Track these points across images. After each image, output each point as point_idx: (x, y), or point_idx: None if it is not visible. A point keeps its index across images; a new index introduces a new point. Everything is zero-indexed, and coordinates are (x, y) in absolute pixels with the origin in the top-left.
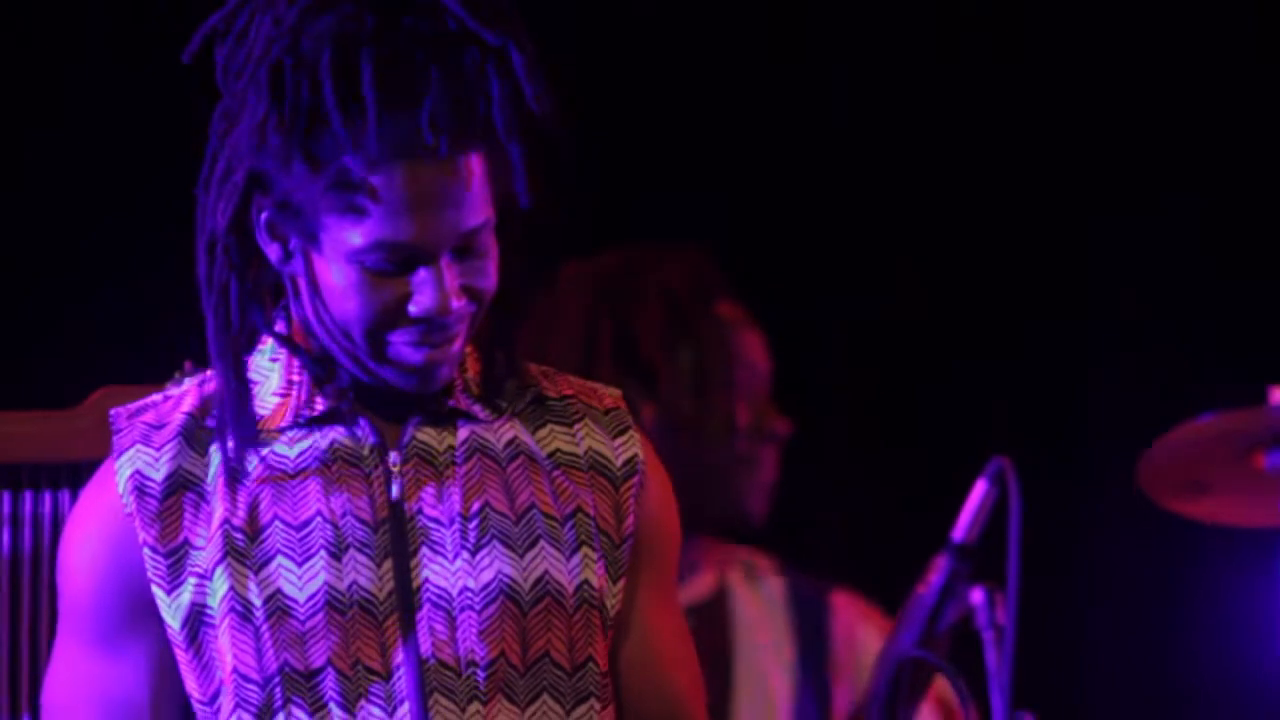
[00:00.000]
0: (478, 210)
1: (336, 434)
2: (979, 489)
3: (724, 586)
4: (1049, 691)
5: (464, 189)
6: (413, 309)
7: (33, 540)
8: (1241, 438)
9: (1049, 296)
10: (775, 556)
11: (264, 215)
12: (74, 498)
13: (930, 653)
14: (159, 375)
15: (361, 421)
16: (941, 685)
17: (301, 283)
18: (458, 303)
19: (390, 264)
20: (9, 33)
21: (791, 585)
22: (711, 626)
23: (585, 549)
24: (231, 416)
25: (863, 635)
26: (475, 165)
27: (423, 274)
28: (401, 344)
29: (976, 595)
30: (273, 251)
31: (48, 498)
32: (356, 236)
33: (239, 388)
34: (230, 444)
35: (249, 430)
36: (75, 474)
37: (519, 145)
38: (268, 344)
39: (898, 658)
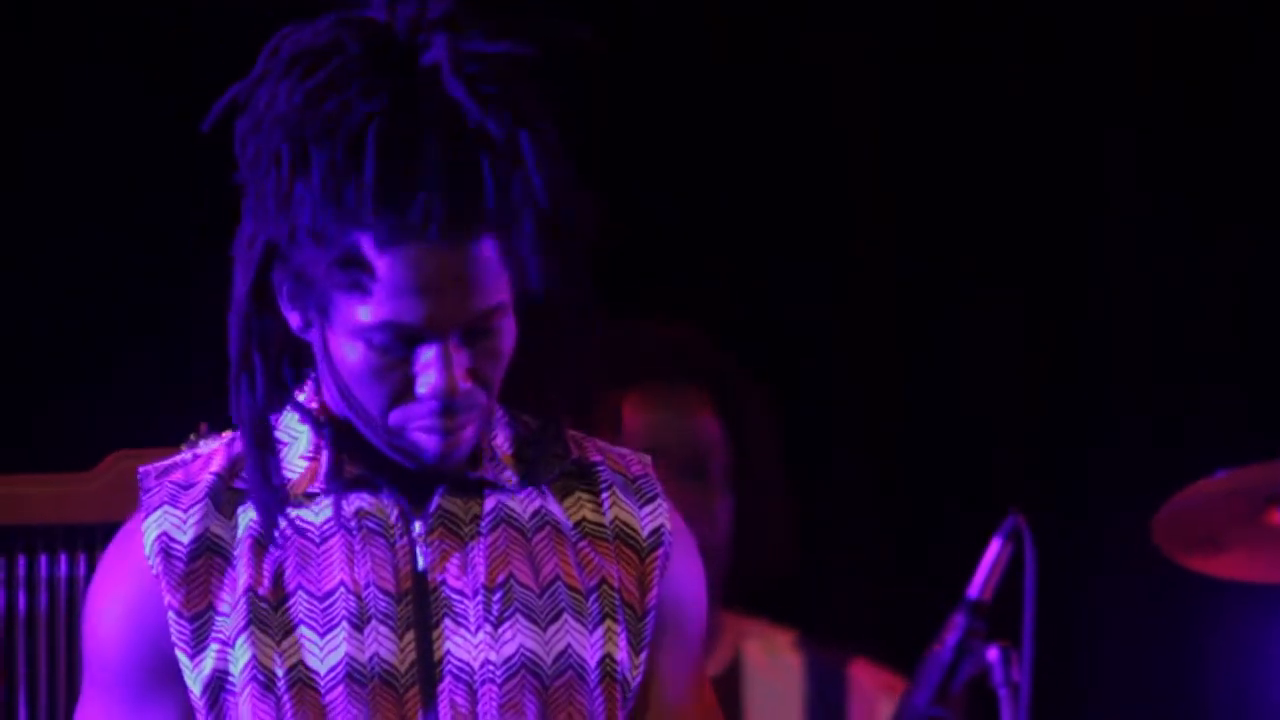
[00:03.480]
0: (489, 293)
1: (362, 500)
2: (994, 546)
3: (740, 659)
4: None
5: (473, 272)
6: (420, 389)
7: (48, 602)
8: (1255, 494)
9: (1064, 351)
10: (793, 629)
11: (284, 287)
12: (89, 560)
13: (946, 711)
14: (173, 438)
15: (387, 488)
16: None
17: (318, 354)
18: (465, 385)
19: (397, 343)
20: (27, 94)
21: (809, 658)
22: (727, 700)
23: (609, 622)
24: (255, 484)
25: (881, 709)
26: (487, 249)
27: (430, 354)
28: (415, 429)
29: (992, 653)
30: (294, 320)
31: (63, 560)
32: (364, 314)
33: (261, 456)
34: (256, 511)
35: (274, 497)
36: (90, 537)
37: (529, 233)
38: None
39: (913, 716)
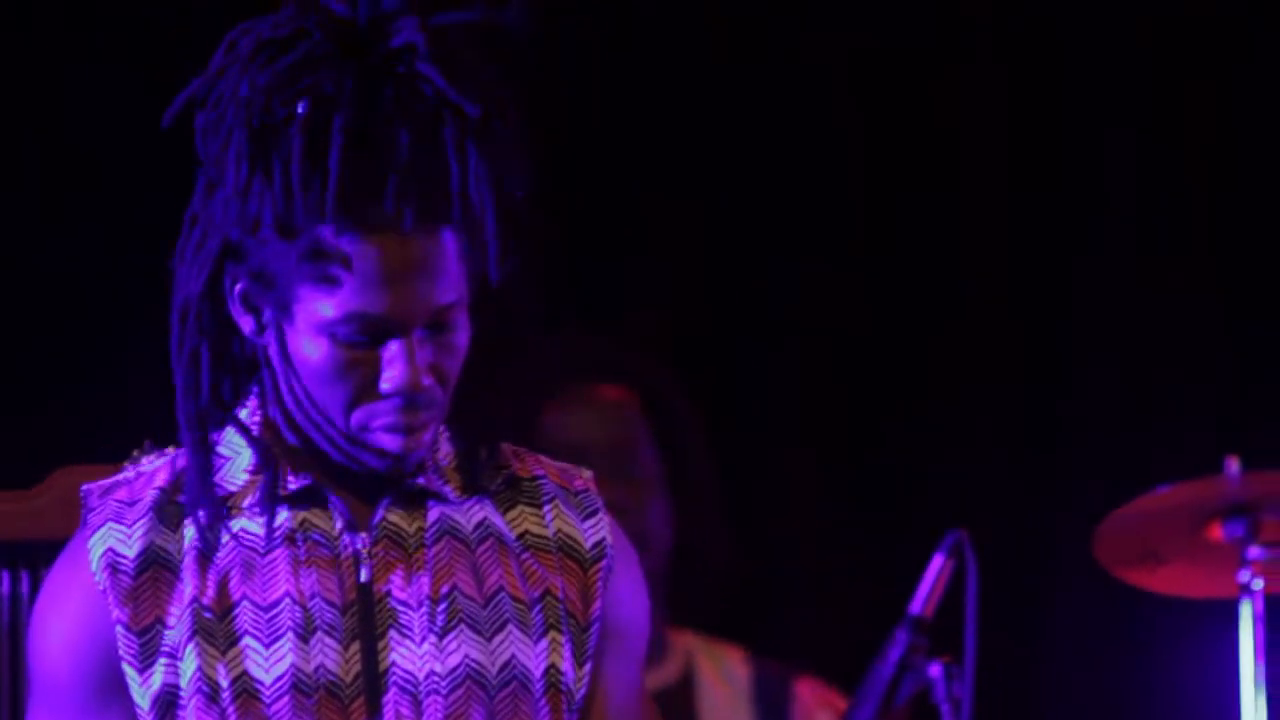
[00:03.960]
0: (451, 287)
1: (307, 513)
2: (936, 562)
3: (689, 673)
4: None
5: (437, 264)
6: (384, 385)
7: None
8: (1197, 509)
9: (1006, 368)
10: (741, 645)
11: (238, 286)
12: (32, 578)
13: None
14: (118, 454)
15: (333, 500)
16: None
17: (274, 357)
18: (427, 380)
19: (362, 336)
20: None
21: (756, 673)
22: (679, 712)
23: (553, 633)
24: (197, 489)
25: None
26: (448, 241)
27: (394, 348)
28: (377, 427)
29: (934, 669)
30: (246, 324)
31: (5, 577)
32: (329, 308)
33: (204, 460)
34: (201, 516)
35: (214, 501)
36: (34, 554)
37: (494, 224)
38: (242, 415)
39: None
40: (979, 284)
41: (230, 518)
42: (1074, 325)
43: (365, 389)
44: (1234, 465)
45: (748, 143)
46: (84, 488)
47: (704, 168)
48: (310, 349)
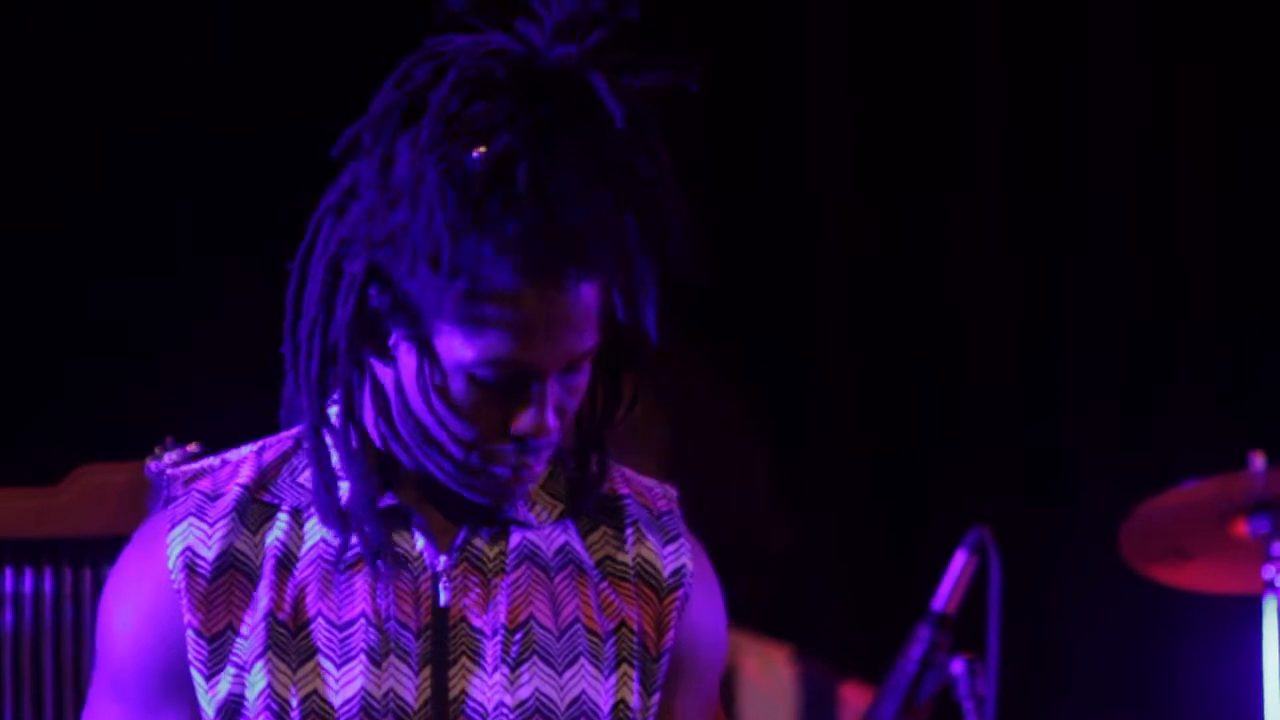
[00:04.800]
0: (592, 334)
1: (389, 531)
2: (959, 559)
3: (734, 671)
4: None
5: (584, 314)
6: (515, 427)
7: (14, 617)
8: (1222, 504)
9: (1030, 364)
10: (788, 645)
11: (383, 308)
12: (55, 575)
13: None
14: (139, 453)
15: (416, 520)
16: None
17: (388, 377)
18: (554, 421)
19: (500, 380)
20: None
21: (802, 674)
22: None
23: (624, 666)
24: (320, 497)
25: None
26: (598, 292)
27: (530, 392)
28: (496, 466)
29: (957, 665)
30: (376, 345)
31: (29, 575)
32: (471, 350)
33: (326, 469)
34: (329, 526)
35: (336, 509)
36: (56, 551)
37: (656, 287)
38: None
39: None
40: (1002, 278)
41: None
42: (1100, 324)
43: (495, 429)
44: (1259, 461)
45: (754, 135)
46: (169, 473)
47: (722, 162)
48: (446, 385)
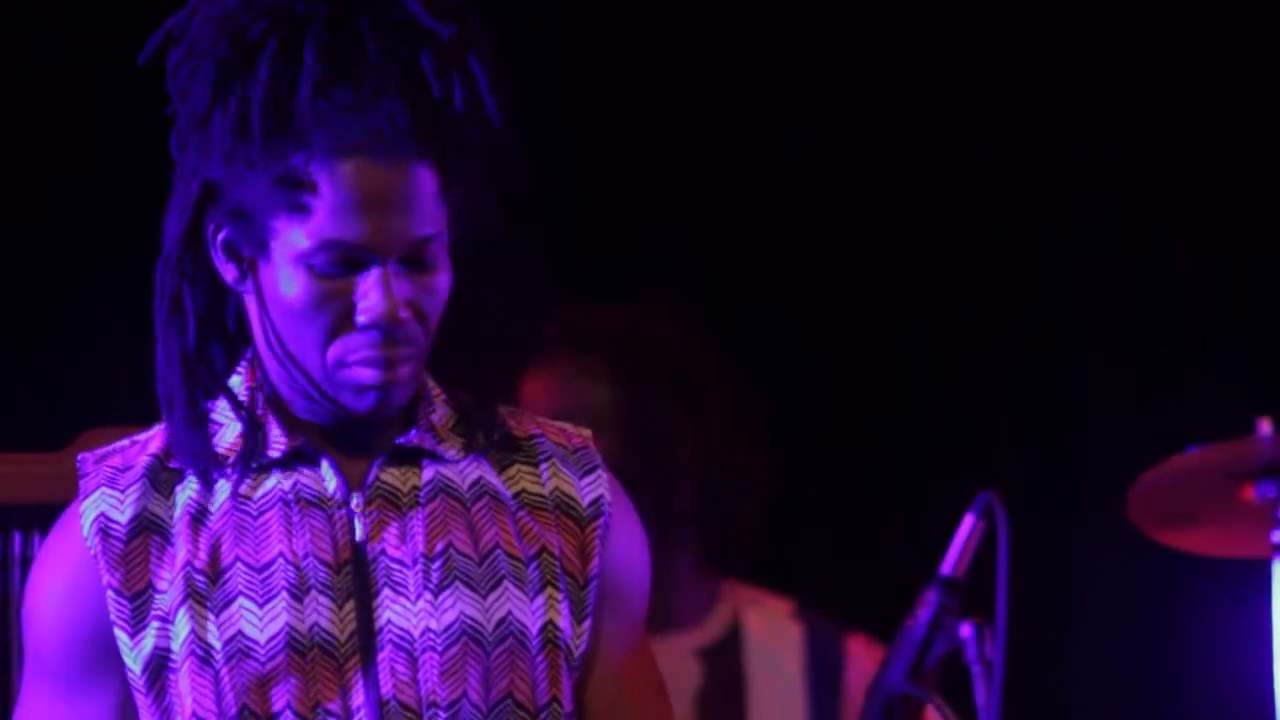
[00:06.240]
0: (428, 220)
1: (299, 475)
2: (966, 523)
3: (739, 626)
4: None
5: (414, 194)
6: (361, 317)
7: (20, 580)
8: (1229, 469)
9: (1037, 329)
10: (793, 598)
11: (220, 234)
12: None
13: (919, 687)
14: (147, 417)
15: (325, 461)
16: (930, 719)
17: (253, 305)
18: (405, 313)
19: (337, 266)
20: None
21: (808, 628)
22: (727, 666)
23: (550, 590)
24: (185, 433)
25: None
26: (426, 173)
27: (370, 278)
28: (355, 362)
29: (965, 629)
30: (229, 272)
31: (36, 539)
32: (303, 237)
33: (190, 399)
34: (186, 463)
35: (204, 445)
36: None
37: (474, 158)
38: (233, 383)
39: (887, 691)
40: (1005, 247)
41: (224, 473)
42: (1104, 287)
43: (342, 321)
44: (1265, 426)
45: (750, 119)
46: (79, 456)
47: (713, 145)
48: (287, 285)
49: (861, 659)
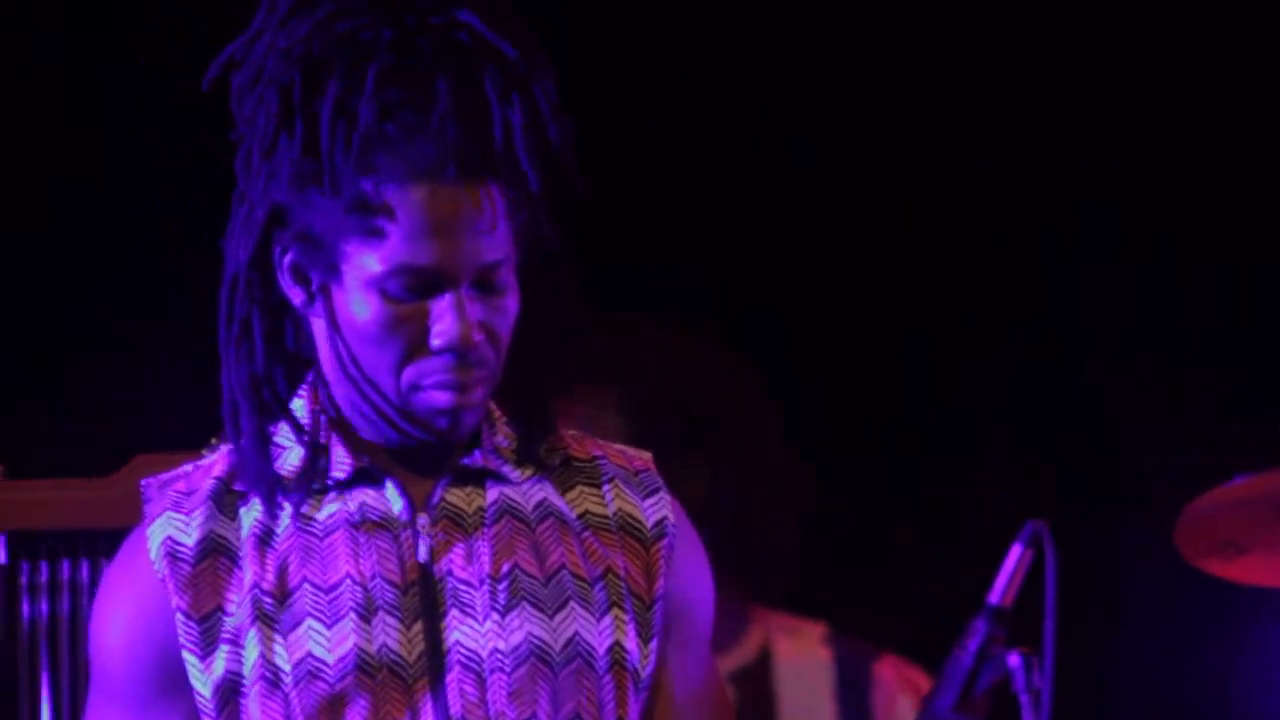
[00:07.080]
0: (498, 244)
1: (365, 496)
2: (1014, 552)
3: (769, 651)
4: None
5: (484, 218)
6: (435, 341)
7: (70, 606)
8: (1276, 498)
9: (1082, 358)
10: (823, 622)
11: (287, 257)
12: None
13: (968, 715)
14: (196, 443)
15: (390, 482)
16: None
17: (324, 329)
18: (479, 336)
19: (410, 291)
20: (42, 87)
21: (838, 651)
22: (757, 691)
23: (616, 610)
24: (254, 459)
25: (903, 705)
26: (495, 196)
27: (444, 302)
28: (430, 386)
29: (1013, 659)
30: (296, 296)
31: (85, 565)
32: (376, 262)
33: (259, 425)
34: (258, 488)
35: (269, 476)
36: (111, 541)
37: (540, 176)
38: (295, 406)
39: None
40: (1009, 255)
41: (290, 497)
42: (1108, 295)
43: (416, 346)
44: None
45: (755, 127)
46: (142, 482)
47: (714, 136)
48: (360, 309)
49: (890, 682)
